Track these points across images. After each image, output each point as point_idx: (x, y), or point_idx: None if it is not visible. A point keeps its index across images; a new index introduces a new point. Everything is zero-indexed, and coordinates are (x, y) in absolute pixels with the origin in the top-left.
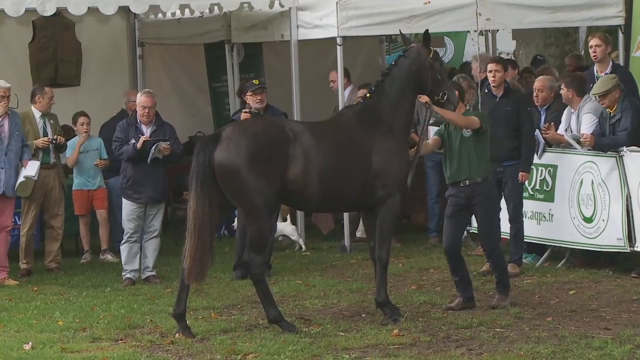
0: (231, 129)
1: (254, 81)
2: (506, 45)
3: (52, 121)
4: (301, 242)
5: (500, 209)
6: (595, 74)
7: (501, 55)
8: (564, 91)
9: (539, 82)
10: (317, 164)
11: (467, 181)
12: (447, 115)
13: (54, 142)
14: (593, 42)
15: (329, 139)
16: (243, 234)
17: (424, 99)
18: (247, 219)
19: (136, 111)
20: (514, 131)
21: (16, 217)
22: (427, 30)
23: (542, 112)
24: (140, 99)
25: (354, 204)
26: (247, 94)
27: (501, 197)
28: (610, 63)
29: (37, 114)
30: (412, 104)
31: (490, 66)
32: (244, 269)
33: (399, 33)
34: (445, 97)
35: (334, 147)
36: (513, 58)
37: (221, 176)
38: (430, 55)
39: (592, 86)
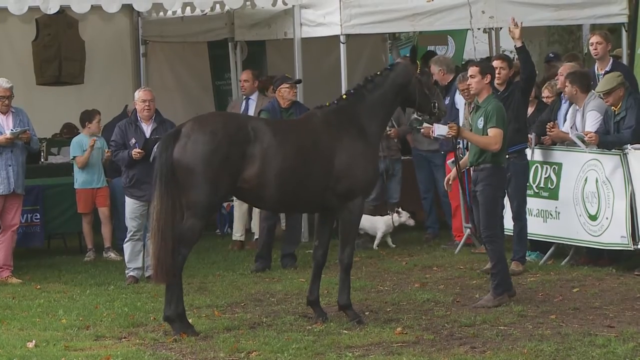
0: (190, 125)
1: (286, 75)
2: (509, 43)
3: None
4: (388, 240)
5: (503, 206)
6: (596, 71)
7: (505, 53)
8: (568, 88)
9: (565, 68)
10: (275, 165)
11: (473, 167)
12: (472, 139)
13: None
14: (594, 39)
15: (291, 140)
16: (266, 226)
17: (455, 130)
18: (187, 212)
19: (136, 110)
20: (515, 116)
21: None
22: (414, 46)
23: (563, 101)
24: (140, 94)
25: (313, 206)
26: (284, 86)
27: (505, 195)
28: (611, 60)
29: None
30: (389, 115)
31: (495, 63)
32: (265, 261)
33: (402, 31)
34: (436, 108)
35: (295, 148)
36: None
37: (177, 172)
38: (418, 70)
39: (594, 84)
